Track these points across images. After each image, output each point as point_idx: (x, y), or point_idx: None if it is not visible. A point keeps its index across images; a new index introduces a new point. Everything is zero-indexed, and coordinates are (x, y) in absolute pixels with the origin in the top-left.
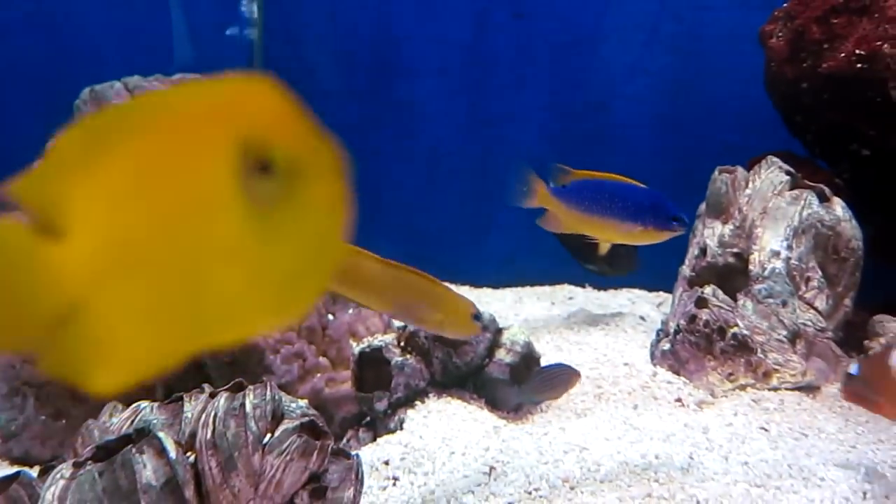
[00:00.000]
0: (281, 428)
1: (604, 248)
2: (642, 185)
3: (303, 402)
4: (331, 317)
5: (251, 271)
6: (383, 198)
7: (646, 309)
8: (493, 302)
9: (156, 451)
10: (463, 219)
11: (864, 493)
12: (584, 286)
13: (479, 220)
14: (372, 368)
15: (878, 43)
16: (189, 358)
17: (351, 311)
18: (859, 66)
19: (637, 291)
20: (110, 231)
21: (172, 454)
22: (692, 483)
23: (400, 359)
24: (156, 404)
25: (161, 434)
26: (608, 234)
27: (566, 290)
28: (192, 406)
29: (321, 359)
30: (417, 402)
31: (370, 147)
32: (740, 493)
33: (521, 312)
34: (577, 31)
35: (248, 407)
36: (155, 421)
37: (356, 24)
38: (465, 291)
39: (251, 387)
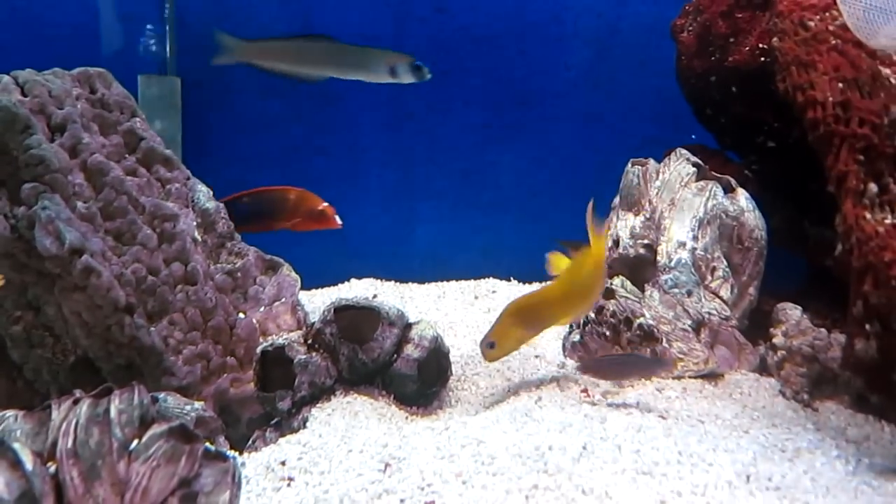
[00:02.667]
0: (148, 433)
1: None
2: None
3: (198, 404)
4: (241, 315)
5: None
6: None
7: None
8: (416, 297)
9: (9, 463)
10: (386, 214)
11: (748, 477)
12: (509, 280)
13: (403, 215)
14: (279, 367)
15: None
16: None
17: (262, 308)
18: (762, 59)
19: None
20: None
21: (28, 466)
22: (580, 473)
23: (304, 357)
24: (21, 413)
25: (16, 445)
26: None
27: (490, 283)
28: (58, 414)
29: (228, 358)
30: (323, 400)
31: (289, 142)
32: (626, 480)
33: (443, 307)
34: (499, 25)
35: (113, 413)
36: (17, 431)
37: (275, 18)
38: (389, 287)
39: (117, 391)
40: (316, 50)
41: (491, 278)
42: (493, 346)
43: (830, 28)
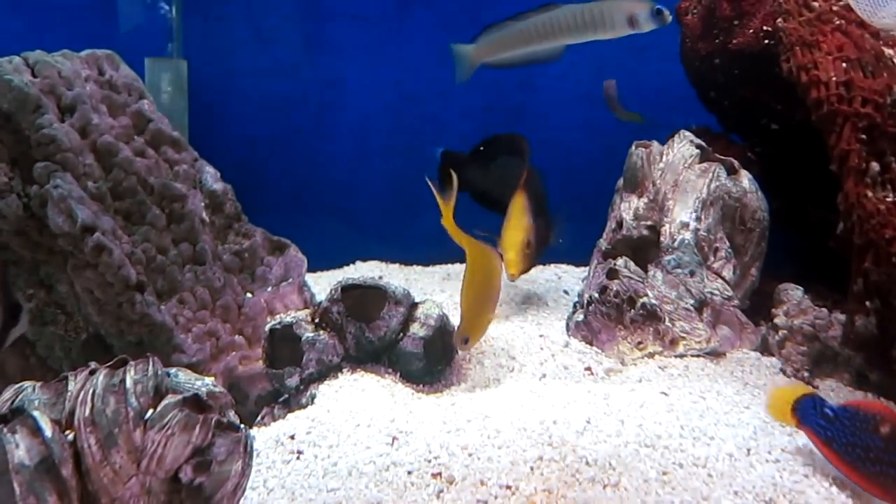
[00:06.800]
0: (163, 403)
1: None
2: None
3: (209, 380)
4: (249, 295)
5: None
6: (311, 177)
7: (571, 283)
8: (421, 279)
9: (29, 430)
10: (391, 197)
11: (749, 450)
12: None
13: (408, 198)
14: (287, 345)
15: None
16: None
17: (269, 288)
18: (766, 41)
19: (565, 266)
20: None
21: (48, 433)
22: (584, 445)
23: (311, 335)
24: (38, 384)
25: (35, 413)
26: None
27: None
28: (74, 384)
29: (236, 337)
30: (331, 378)
31: (294, 125)
32: (629, 452)
33: (448, 288)
34: (501, 7)
35: (129, 383)
36: (35, 400)
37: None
38: (394, 270)
39: (132, 362)
40: (548, 22)
41: None
42: (467, 341)
43: (834, 8)
